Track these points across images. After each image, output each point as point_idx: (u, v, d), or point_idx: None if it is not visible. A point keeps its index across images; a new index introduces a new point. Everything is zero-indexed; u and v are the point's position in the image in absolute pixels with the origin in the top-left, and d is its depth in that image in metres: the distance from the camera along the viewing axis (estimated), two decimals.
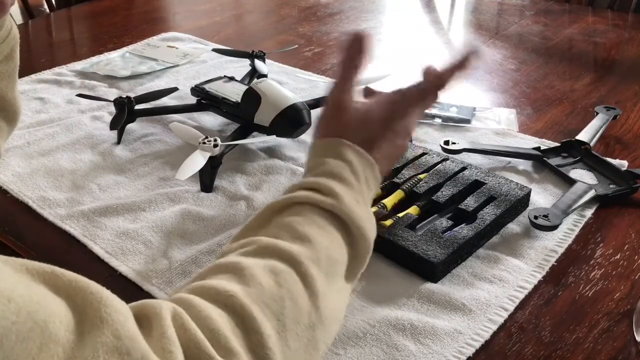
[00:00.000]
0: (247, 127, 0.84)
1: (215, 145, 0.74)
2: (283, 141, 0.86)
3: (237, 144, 0.81)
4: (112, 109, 0.87)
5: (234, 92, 0.89)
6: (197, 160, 0.72)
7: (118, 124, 0.85)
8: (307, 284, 0.45)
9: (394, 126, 0.57)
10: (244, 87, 0.87)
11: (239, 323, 0.40)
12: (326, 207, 0.50)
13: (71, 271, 0.35)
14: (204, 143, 0.74)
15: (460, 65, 0.58)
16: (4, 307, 0.29)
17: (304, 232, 0.48)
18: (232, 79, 0.95)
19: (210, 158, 0.74)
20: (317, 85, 1.03)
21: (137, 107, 0.87)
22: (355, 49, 0.58)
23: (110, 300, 0.34)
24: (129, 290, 0.61)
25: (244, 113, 0.83)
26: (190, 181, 0.77)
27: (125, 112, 0.84)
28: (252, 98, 0.82)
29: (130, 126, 0.88)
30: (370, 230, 0.51)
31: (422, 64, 0.61)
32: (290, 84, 1.04)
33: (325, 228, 0.49)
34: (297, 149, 0.85)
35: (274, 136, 0.82)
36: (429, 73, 0.59)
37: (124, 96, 0.85)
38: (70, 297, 0.33)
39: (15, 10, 1.72)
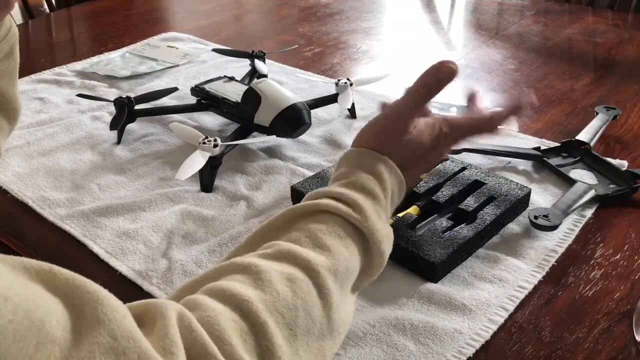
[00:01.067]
0: (247, 127, 0.84)
1: (215, 145, 0.74)
2: (283, 141, 0.86)
3: (237, 144, 0.81)
4: (112, 109, 0.87)
5: (234, 92, 0.89)
6: (197, 160, 0.72)
7: (118, 124, 0.85)
8: (322, 295, 0.44)
9: (431, 154, 0.59)
10: (244, 87, 0.87)
11: (250, 329, 0.40)
12: (350, 220, 0.50)
13: (71, 271, 0.35)
14: (204, 143, 0.74)
15: (513, 110, 0.59)
16: (1, 305, 0.29)
17: (325, 241, 0.47)
18: (232, 79, 0.95)
19: (210, 158, 0.74)
20: (317, 85, 1.04)
21: (137, 107, 0.87)
22: (439, 79, 0.56)
23: (107, 299, 0.34)
24: (129, 290, 0.61)
25: (244, 113, 0.83)
26: (190, 181, 0.77)
27: (125, 112, 0.84)
28: (252, 98, 0.82)
29: (130, 126, 0.88)
30: (387, 247, 0.51)
31: (469, 92, 0.63)
32: (290, 84, 1.04)
33: (346, 240, 0.49)
34: (297, 149, 0.85)
35: (274, 136, 0.82)
36: (480, 117, 0.60)
37: (124, 96, 0.85)
38: (67, 296, 0.33)
39: (15, 10, 1.72)
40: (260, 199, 0.74)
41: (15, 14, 1.63)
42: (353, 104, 0.92)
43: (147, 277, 0.62)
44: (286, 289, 0.43)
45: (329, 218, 0.49)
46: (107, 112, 0.94)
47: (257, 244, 0.49)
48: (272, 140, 0.85)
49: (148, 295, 0.60)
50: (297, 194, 0.71)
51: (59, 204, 0.74)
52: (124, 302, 0.36)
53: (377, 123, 0.57)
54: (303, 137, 0.87)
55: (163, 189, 0.76)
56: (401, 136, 0.56)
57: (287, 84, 1.04)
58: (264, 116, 0.81)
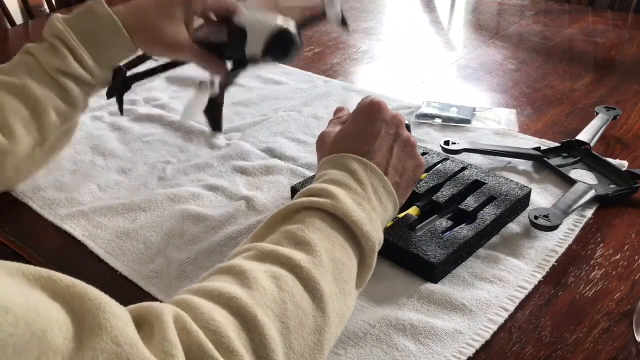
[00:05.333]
0: (241, 64, 0.80)
1: (212, 83, 0.72)
2: (283, 141, 0.86)
3: (237, 75, 0.78)
4: (112, 109, 0.86)
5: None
6: (199, 101, 0.71)
7: (112, 94, 0.80)
8: (309, 288, 0.45)
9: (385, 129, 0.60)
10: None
11: (242, 324, 0.40)
12: (323, 208, 0.51)
13: (71, 272, 0.35)
14: (201, 84, 0.73)
15: None
16: (2, 318, 0.29)
17: (304, 237, 0.48)
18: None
19: (211, 100, 0.72)
20: (317, 85, 1.03)
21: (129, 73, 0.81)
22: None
23: (109, 305, 0.34)
24: (129, 290, 0.61)
25: (234, 52, 0.78)
26: (191, 181, 0.77)
27: (119, 82, 0.80)
28: (237, 34, 0.76)
29: (130, 126, 0.88)
30: (372, 230, 0.51)
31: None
32: (290, 84, 1.04)
33: (326, 230, 0.49)
34: (297, 149, 0.85)
35: (271, 64, 0.79)
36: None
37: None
38: (67, 303, 0.33)
39: (15, 10, 1.72)
40: (260, 199, 0.74)
41: (15, 13, 1.63)
42: (343, 13, 0.83)
43: (147, 277, 0.62)
44: (271, 285, 0.43)
45: (307, 214, 0.51)
46: (107, 112, 0.94)
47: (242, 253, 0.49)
48: (271, 140, 0.85)
49: (148, 295, 0.60)
50: (296, 194, 0.71)
51: (59, 204, 0.74)
52: (124, 303, 0.36)
53: (339, 131, 0.61)
54: (303, 137, 0.87)
55: (163, 189, 0.76)
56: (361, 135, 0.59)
57: (287, 84, 1.04)
58: (254, 48, 0.76)
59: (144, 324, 0.37)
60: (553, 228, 0.65)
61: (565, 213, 0.68)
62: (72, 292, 0.33)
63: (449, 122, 0.91)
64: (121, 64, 0.81)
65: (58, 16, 0.72)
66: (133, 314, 0.37)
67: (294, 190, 0.73)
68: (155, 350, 0.34)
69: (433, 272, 0.60)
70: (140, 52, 0.78)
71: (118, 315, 0.34)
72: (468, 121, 0.91)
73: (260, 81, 1.05)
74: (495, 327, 0.55)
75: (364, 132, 0.59)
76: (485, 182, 0.72)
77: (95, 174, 0.80)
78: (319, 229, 0.49)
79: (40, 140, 0.71)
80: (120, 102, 0.82)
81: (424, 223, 0.68)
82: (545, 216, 0.66)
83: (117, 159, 0.83)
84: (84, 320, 0.33)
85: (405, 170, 0.59)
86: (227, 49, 0.78)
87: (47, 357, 0.30)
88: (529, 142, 0.85)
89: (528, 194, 0.71)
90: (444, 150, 0.79)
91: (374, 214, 0.53)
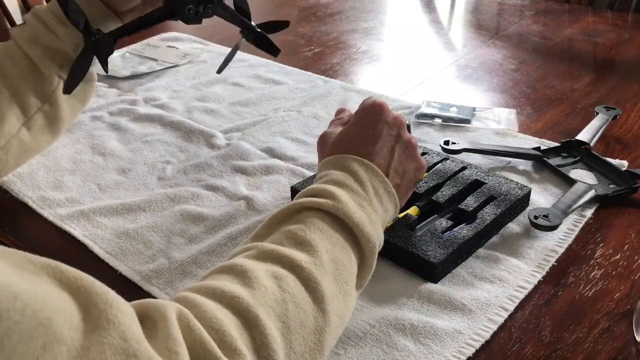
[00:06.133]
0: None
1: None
2: (283, 141, 0.86)
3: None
4: (112, 108, 0.86)
5: None
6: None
7: (85, 54, 0.74)
8: (310, 289, 0.45)
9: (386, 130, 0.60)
10: None
11: (244, 324, 0.40)
12: (324, 209, 0.51)
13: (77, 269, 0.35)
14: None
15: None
16: (10, 305, 0.29)
17: (305, 238, 0.48)
18: None
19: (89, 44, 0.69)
20: (317, 85, 1.04)
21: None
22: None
23: (116, 301, 0.34)
24: (129, 290, 0.61)
25: None
26: (191, 181, 0.77)
27: (90, 42, 0.73)
28: None
29: (130, 126, 0.88)
30: (373, 231, 0.51)
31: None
32: (290, 84, 1.04)
33: (326, 231, 0.49)
34: (297, 149, 0.85)
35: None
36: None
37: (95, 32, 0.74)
38: (74, 294, 0.33)
39: (15, 10, 1.72)
40: (260, 199, 0.74)
41: (15, 13, 1.63)
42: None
43: (147, 277, 0.62)
44: (273, 285, 0.44)
45: (307, 214, 0.51)
46: (107, 112, 0.94)
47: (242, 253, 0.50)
48: (271, 140, 0.85)
49: (148, 295, 0.60)
50: (297, 194, 0.71)
51: (59, 204, 0.74)
52: None
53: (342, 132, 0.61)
54: (303, 137, 0.87)
55: (163, 189, 0.76)
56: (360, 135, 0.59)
57: (287, 84, 1.04)
58: None
59: (147, 321, 0.37)
60: (553, 228, 0.65)
61: (565, 213, 0.68)
62: (79, 285, 0.34)
63: (448, 122, 0.91)
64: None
65: None
66: (136, 310, 0.37)
67: (294, 190, 0.73)
68: (159, 348, 0.34)
69: (433, 272, 0.60)
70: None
71: (125, 312, 0.34)
72: (468, 121, 0.91)
73: (260, 81, 1.05)
74: (495, 327, 0.55)
75: (366, 134, 0.59)
76: (485, 182, 0.72)
77: (95, 174, 0.80)
78: (320, 230, 0.49)
79: (24, 119, 0.73)
80: (100, 62, 0.75)
81: (424, 223, 0.68)
82: (545, 216, 0.66)
83: (117, 159, 0.83)
84: (90, 314, 0.33)
85: (406, 172, 0.59)
86: None
87: (53, 346, 0.30)
88: (529, 142, 0.85)
89: (528, 194, 0.71)
90: (444, 150, 0.79)
91: (374, 215, 0.53)
